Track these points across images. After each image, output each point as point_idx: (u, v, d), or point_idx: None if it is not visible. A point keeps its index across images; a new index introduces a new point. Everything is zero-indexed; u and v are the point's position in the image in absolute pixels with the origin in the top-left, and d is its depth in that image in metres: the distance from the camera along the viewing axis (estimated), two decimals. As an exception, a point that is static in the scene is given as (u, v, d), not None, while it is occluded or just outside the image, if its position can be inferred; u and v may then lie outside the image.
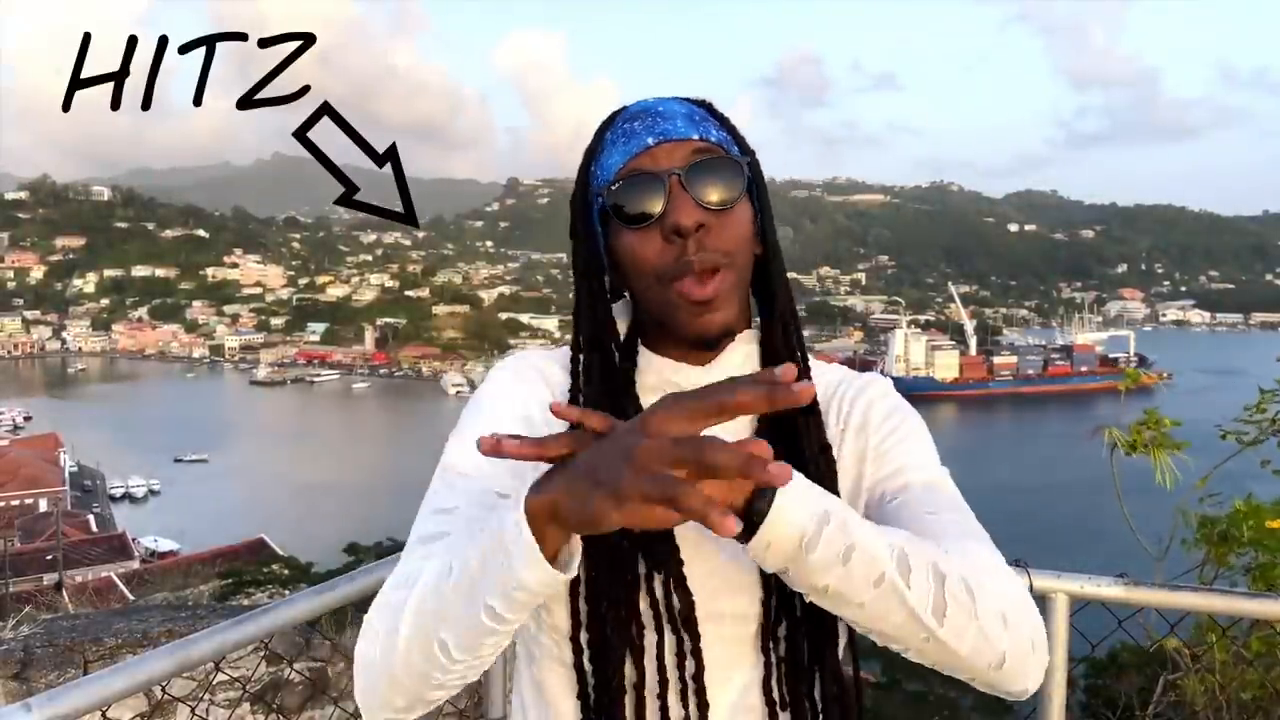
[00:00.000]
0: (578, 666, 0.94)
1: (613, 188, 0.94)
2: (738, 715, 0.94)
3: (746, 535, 0.75)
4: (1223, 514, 2.75)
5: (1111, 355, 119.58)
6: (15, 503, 45.31)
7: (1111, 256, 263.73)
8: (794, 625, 0.94)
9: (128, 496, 66.96)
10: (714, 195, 0.92)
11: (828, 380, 1.07)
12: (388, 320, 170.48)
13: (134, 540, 36.38)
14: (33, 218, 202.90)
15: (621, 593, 0.92)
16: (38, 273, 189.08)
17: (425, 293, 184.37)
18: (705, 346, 0.98)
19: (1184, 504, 2.80)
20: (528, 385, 1.03)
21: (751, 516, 0.74)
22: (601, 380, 0.98)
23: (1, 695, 2.64)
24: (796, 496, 0.75)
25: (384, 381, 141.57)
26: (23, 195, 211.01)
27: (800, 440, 0.96)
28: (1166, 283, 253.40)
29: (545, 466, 0.78)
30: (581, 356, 1.00)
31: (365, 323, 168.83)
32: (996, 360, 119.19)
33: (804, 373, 1.00)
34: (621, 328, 1.04)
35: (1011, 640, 0.82)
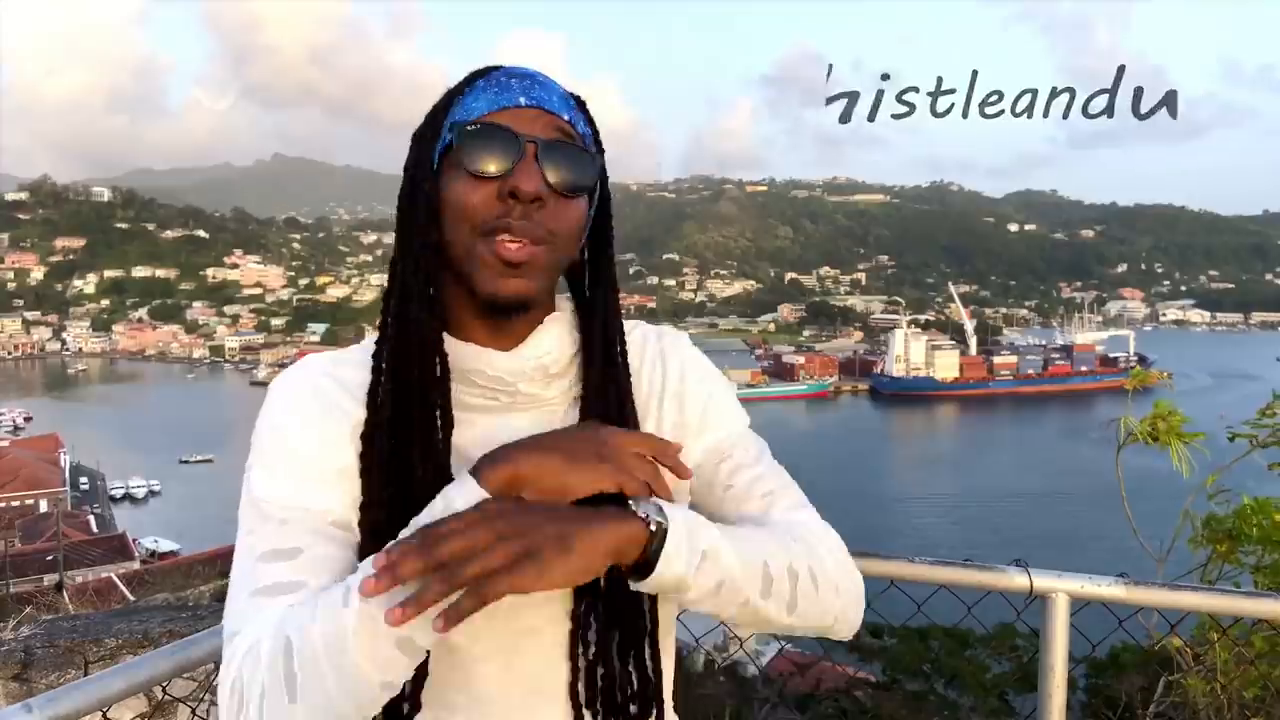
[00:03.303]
0: None
1: (469, 128, 0.91)
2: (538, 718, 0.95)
3: (636, 577, 0.84)
4: (1229, 512, 2.74)
5: (1111, 355, 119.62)
6: (16, 504, 45.28)
7: (1111, 256, 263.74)
8: (604, 628, 0.95)
9: (128, 497, 67.00)
10: (561, 177, 0.91)
11: (634, 340, 1.08)
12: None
13: (134, 541, 36.33)
14: (33, 218, 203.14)
15: None
16: (38, 273, 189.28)
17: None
18: (499, 312, 0.94)
19: (1189, 504, 2.80)
20: (321, 400, 0.95)
21: (645, 559, 0.82)
22: (408, 365, 0.93)
23: (2, 696, 2.64)
24: (680, 541, 0.83)
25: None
26: (23, 196, 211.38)
27: (618, 417, 0.99)
28: (1166, 282, 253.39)
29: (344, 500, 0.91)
30: (389, 333, 0.95)
31: (365, 323, 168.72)
32: (996, 360, 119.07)
33: (619, 344, 1.03)
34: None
35: (842, 603, 0.96)
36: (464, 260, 0.92)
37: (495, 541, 0.75)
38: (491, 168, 0.89)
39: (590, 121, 1.00)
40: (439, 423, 0.93)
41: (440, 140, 0.94)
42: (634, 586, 0.84)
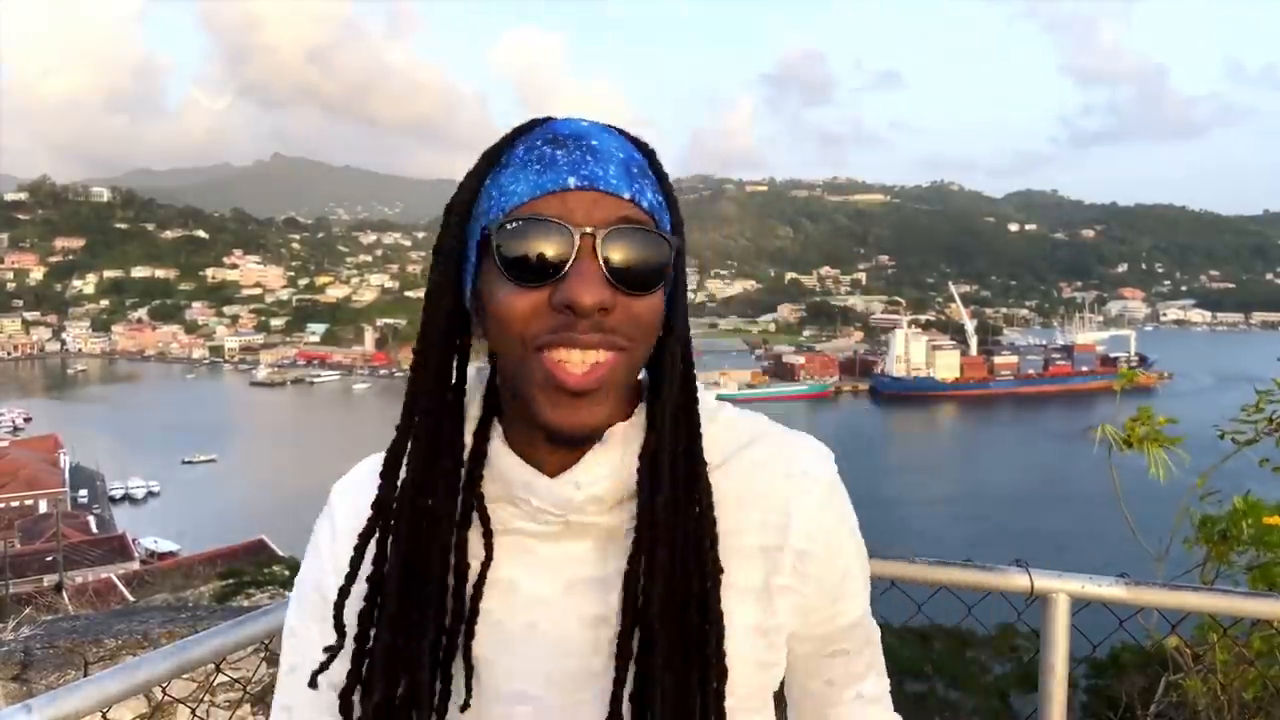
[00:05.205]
0: None
1: (508, 225, 0.72)
2: None
3: None
4: (1223, 513, 2.75)
5: (1112, 355, 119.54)
6: (15, 504, 45.30)
7: (1112, 256, 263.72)
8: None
9: (127, 498, 67.03)
10: (630, 273, 0.73)
11: (749, 458, 0.83)
12: (388, 321, 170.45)
13: (134, 541, 36.34)
14: (32, 218, 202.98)
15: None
16: (37, 274, 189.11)
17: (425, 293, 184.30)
18: (563, 443, 0.78)
19: (1185, 503, 2.81)
20: (341, 519, 0.87)
21: None
22: (428, 486, 0.78)
23: (2, 697, 2.64)
24: None
25: (384, 382, 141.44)
26: (23, 196, 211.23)
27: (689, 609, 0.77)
28: (1167, 282, 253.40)
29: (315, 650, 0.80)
30: (409, 445, 0.79)
31: (365, 323, 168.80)
32: (997, 360, 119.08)
33: (695, 476, 0.80)
34: (475, 403, 0.83)
35: None
36: (515, 375, 0.76)
37: None
38: (538, 273, 0.72)
39: (662, 184, 0.79)
40: (457, 560, 0.79)
41: (475, 227, 0.77)
42: None
